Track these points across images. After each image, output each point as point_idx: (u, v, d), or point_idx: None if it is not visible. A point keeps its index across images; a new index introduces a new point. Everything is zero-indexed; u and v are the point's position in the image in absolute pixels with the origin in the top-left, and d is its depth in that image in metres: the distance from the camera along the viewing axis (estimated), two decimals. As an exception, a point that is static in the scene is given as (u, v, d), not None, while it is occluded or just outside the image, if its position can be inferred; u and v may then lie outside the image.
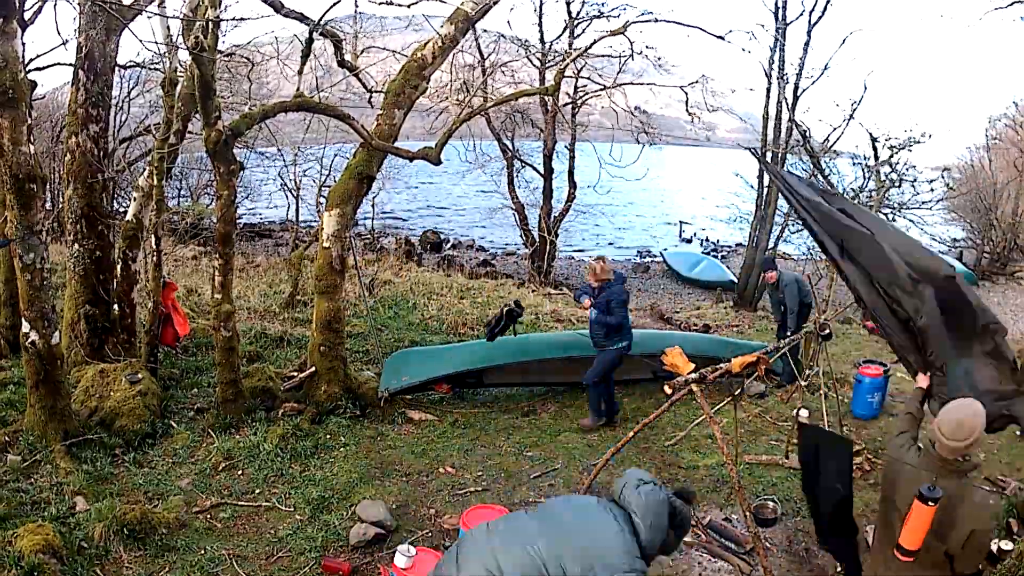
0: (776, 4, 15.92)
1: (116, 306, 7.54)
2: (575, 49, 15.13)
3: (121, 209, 13.21)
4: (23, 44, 5.29)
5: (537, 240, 18.99)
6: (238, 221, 15.36)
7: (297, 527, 5.11)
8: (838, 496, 4.27)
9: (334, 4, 6.75)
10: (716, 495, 5.67)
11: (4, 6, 4.89)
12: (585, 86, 16.88)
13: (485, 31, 16.69)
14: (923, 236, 17.18)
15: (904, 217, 15.57)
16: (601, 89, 15.57)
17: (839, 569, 4.77)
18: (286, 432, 6.33)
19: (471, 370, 7.45)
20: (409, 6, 6.48)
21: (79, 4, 6.77)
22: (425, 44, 7.33)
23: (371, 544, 4.89)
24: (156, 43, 7.31)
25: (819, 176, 14.79)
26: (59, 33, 9.06)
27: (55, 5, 6.65)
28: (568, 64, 10.70)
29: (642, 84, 15.34)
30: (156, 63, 9.09)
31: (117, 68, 7.83)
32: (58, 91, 16.73)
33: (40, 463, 5.56)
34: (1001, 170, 22.83)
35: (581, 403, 7.45)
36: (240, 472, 5.85)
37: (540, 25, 17.76)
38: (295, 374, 7.46)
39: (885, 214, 14.97)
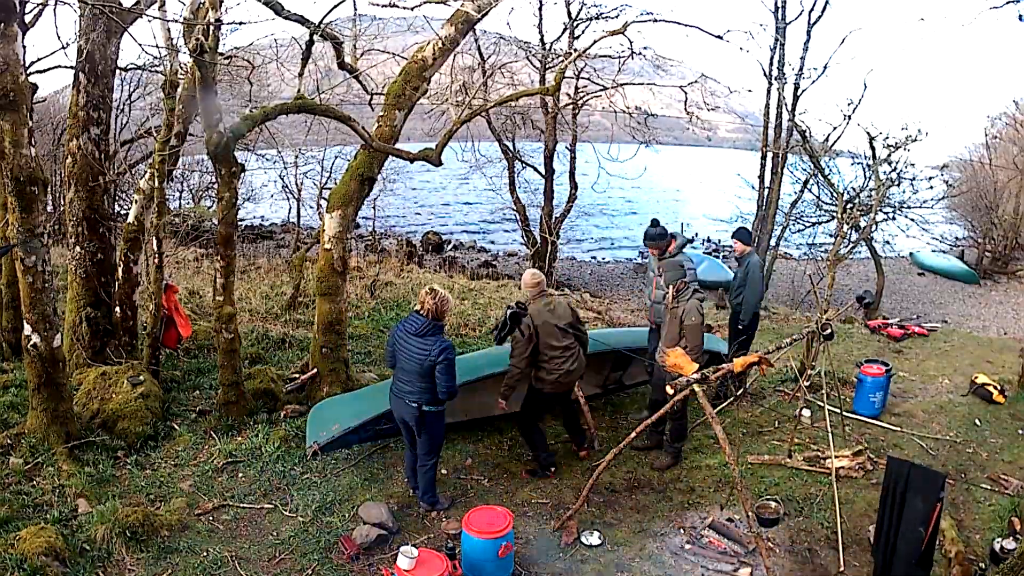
0: (776, 4, 15.94)
1: (118, 308, 7.54)
2: (575, 50, 15.14)
3: (122, 212, 13.23)
4: (24, 47, 5.30)
5: (539, 241, 19.00)
6: (239, 223, 15.37)
7: (299, 529, 5.11)
8: (922, 537, 4.17)
9: (335, 7, 6.78)
10: (718, 495, 5.66)
11: (4, 9, 4.90)
12: (585, 87, 16.89)
13: (485, 32, 16.71)
14: (924, 235, 17.19)
15: (905, 216, 15.57)
16: (601, 90, 15.58)
17: (842, 570, 4.77)
18: (288, 434, 6.34)
19: None
20: (412, 8, 6.49)
21: (79, 7, 6.78)
22: (425, 46, 7.33)
23: (374, 545, 4.89)
24: (156, 46, 7.32)
25: (819, 175, 14.79)
26: (59, 37, 9.08)
27: (55, 8, 6.65)
28: (568, 64, 10.71)
29: (642, 84, 15.35)
30: (157, 66, 9.10)
31: (118, 71, 7.84)
32: (59, 94, 16.75)
33: (42, 466, 5.56)
34: (1001, 169, 22.83)
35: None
36: (242, 474, 5.86)
37: (540, 26, 17.78)
38: (297, 376, 7.47)
39: (886, 213, 14.97)
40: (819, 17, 15.95)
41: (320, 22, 6.55)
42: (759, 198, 17.26)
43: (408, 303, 12.19)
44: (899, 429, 7.06)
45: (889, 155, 12.36)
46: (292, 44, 8.43)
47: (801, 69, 15.86)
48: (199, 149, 13.33)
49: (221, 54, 7.61)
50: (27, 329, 5.62)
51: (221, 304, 6.55)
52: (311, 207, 18.55)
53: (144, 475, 5.75)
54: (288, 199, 19.99)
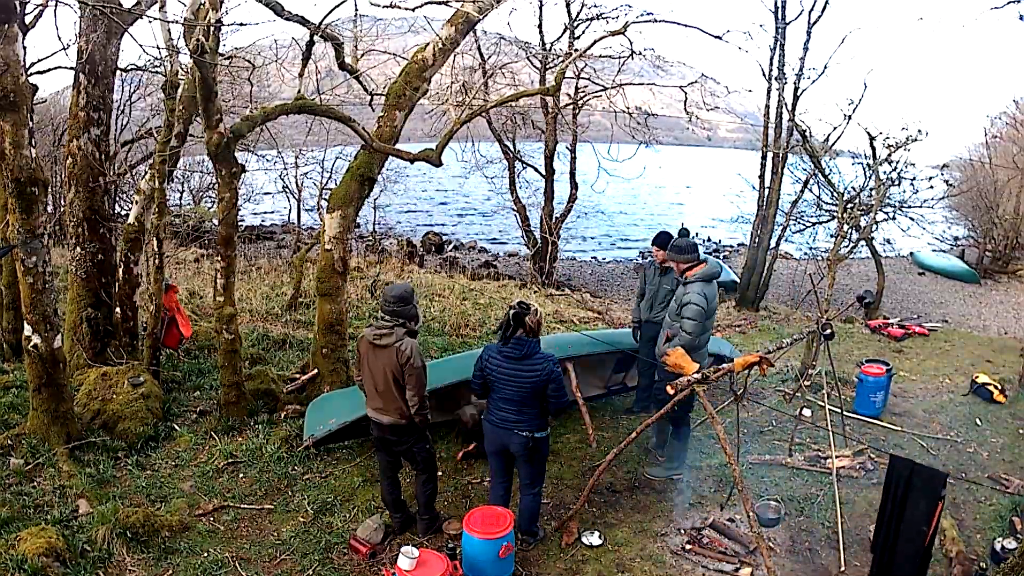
0: (776, 4, 15.93)
1: (118, 309, 7.55)
2: (575, 50, 15.16)
3: (123, 212, 13.25)
4: (24, 48, 5.30)
5: (539, 241, 19.01)
6: (240, 224, 15.40)
7: (300, 529, 5.11)
8: (922, 539, 4.13)
9: (335, 7, 6.78)
10: (719, 495, 5.66)
11: (5, 10, 4.90)
12: (586, 87, 16.91)
13: (485, 32, 16.74)
14: (924, 235, 17.20)
15: (905, 216, 15.57)
16: (602, 90, 15.61)
17: (843, 570, 4.76)
18: (289, 434, 6.33)
19: None
20: (413, 9, 6.50)
21: (79, 8, 6.79)
22: (425, 46, 7.33)
23: (381, 543, 4.89)
24: (157, 47, 7.33)
25: (819, 175, 14.78)
26: (60, 38, 9.10)
27: (55, 9, 6.64)
28: (568, 65, 10.73)
29: (642, 84, 15.40)
30: (157, 66, 9.11)
31: (118, 72, 7.85)
32: (59, 95, 16.78)
33: (43, 466, 5.56)
34: (1001, 168, 22.85)
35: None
36: (243, 475, 5.86)
37: (540, 27, 17.80)
38: (297, 376, 7.47)
39: (886, 213, 14.97)
40: (819, 17, 15.95)
41: (320, 23, 6.56)
42: (759, 198, 17.25)
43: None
44: (900, 429, 7.07)
45: (889, 155, 12.35)
46: (292, 45, 8.43)
47: (801, 69, 15.86)
48: (200, 150, 13.35)
49: (221, 55, 7.61)
50: (28, 330, 5.62)
51: (222, 305, 6.55)
52: (311, 208, 18.58)
53: (145, 476, 5.75)
54: (288, 200, 20.04)
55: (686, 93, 14.39)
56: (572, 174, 18.85)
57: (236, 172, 6.40)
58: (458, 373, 6.47)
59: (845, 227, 9.05)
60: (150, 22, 7.29)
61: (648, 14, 10.83)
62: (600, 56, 14.09)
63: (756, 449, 6.52)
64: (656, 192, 40.24)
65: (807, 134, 14.21)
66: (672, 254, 5.92)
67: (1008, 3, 7.24)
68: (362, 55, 7.97)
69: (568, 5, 17.04)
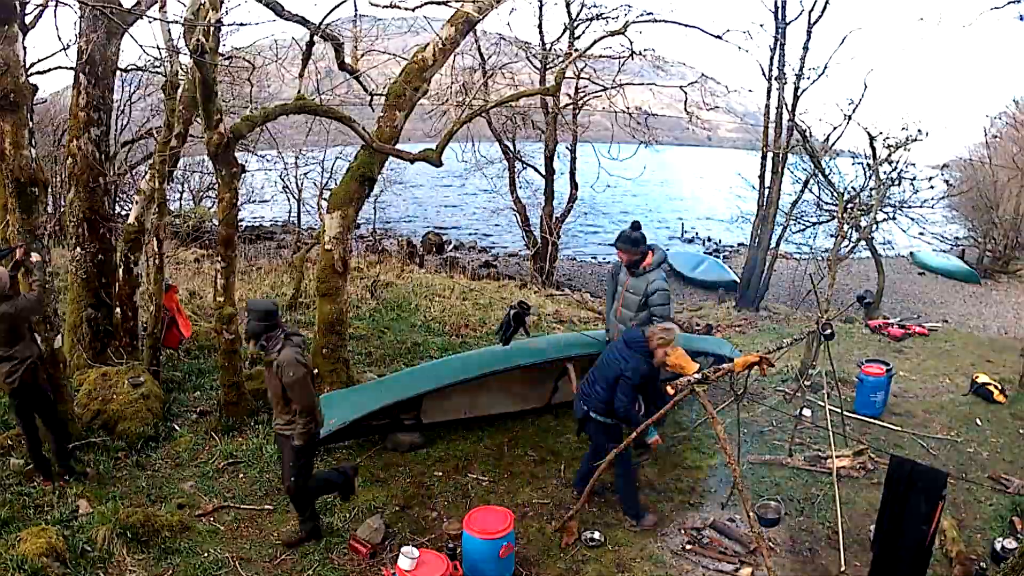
0: (776, 4, 15.92)
1: (118, 309, 7.54)
2: (575, 50, 15.15)
3: (123, 212, 13.24)
4: (24, 48, 5.30)
5: (539, 241, 19.00)
6: (240, 224, 15.38)
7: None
8: (923, 539, 4.14)
9: (335, 7, 6.79)
10: (719, 495, 5.66)
11: (5, 10, 4.90)
12: (586, 87, 16.91)
13: (485, 32, 16.73)
14: (924, 235, 17.20)
15: (905, 216, 15.57)
16: (602, 90, 15.60)
17: (843, 569, 4.76)
18: (289, 434, 6.32)
19: (408, 399, 6.29)
20: (413, 9, 6.50)
21: (79, 8, 6.79)
22: (425, 46, 7.33)
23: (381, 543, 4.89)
24: (157, 47, 7.33)
25: (819, 175, 14.78)
26: (60, 38, 9.09)
27: (55, 9, 6.65)
28: (568, 65, 10.73)
29: (642, 84, 15.40)
30: (157, 67, 9.11)
31: (118, 72, 7.85)
32: (60, 95, 16.77)
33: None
34: (1001, 168, 22.82)
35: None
36: (243, 475, 5.86)
37: (540, 27, 17.80)
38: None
39: (886, 213, 14.98)
40: (819, 17, 15.93)
41: (320, 23, 6.57)
42: (759, 198, 17.24)
43: (408, 304, 12.18)
44: (900, 429, 7.06)
45: (889, 155, 12.36)
46: (293, 45, 8.44)
47: (801, 69, 15.84)
48: (200, 150, 13.34)
49: (221, 55, 7.62)
50: (28, 330, 5.61)
51: (222, 305, 6.55)
52: (312, 208, 18.57)
53: (145, 476, 5.75)
54: (289, 200, 20.04)
55: (686, 93, 14.41)
56: (572, 174, 18.83)
57: (236, 172, 6.40)
58: (457, 373, 6.51)
59: (845, 227, 9.05)
60: (150, 22, 7.29)
61: (648, 14, 10.86)
62: (600, 56, 14.08)
63: (756, 449, 6.52)
64: (656, 192, 40.22)
65: (807, 134, 14.21)
66: (625, 247, 5.95)
67: (1008, 3, 7.25)
68: (362, 55, 7.98)
69: (568, 5, 17.02)
